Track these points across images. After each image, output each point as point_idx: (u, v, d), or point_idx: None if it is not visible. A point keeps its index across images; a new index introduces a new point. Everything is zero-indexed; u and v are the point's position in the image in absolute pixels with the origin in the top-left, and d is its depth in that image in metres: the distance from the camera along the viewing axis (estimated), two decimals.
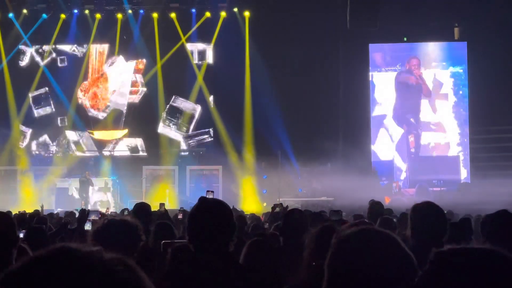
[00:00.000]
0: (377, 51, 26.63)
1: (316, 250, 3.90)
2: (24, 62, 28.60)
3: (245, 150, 26.36)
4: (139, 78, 28.52)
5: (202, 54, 28.34)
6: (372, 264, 1.93)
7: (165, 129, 28.22)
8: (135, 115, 28.10)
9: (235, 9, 27.66)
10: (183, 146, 28.13)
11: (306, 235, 4.15)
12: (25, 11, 27.95)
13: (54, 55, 28.53)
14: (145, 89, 28.43)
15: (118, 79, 28.58)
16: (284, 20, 25.53)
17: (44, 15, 27.98)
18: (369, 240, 2.01)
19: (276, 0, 25.55)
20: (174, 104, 28.25)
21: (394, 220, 8.01)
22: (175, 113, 28.22)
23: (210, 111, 27.87)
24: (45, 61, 28.44)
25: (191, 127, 28.18)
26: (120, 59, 28.62)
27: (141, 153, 27.99)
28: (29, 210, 17.11)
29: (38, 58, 28.54)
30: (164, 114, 28.14)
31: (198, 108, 28.13)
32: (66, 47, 28.57)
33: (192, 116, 28.19)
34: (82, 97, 28.46)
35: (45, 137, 28.23)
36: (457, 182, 24.68)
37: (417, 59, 26.31)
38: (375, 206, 8.80)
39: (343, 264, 1.97)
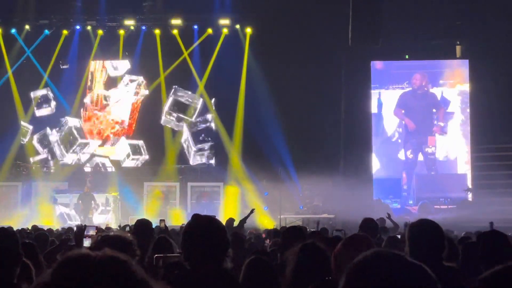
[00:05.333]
0: (383, 69, 26.61)
1: (298, 268, 3.90)
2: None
3: (246, 166, 26.27)
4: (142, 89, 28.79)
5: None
6: None
7: (168, 121, 28.41)
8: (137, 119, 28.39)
9: (237, 26, 27.74)
10: (186, 135, 28.16)
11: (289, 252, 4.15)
12: (27, 27, 28.05)
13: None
14: (146, 91, 28.72)
15: (120, 104, 28.82)
16: (285, 37, 25.57)
17: (46, 31, 28.09)
18: (387, 265, 1.81)
19: (278, 17, 25.58)
20: (176, 97, 28.42)
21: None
22: (176, 106, 28.39)
23: (212, 126, 28.04)
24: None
25: (194, 116, 28.32)
26: (120, 84, 28.87)
27: (143, 155, 28.18)
28: (29, 225, 17.04)
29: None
30: (165, 107, 28.29)
31: (200, 100, 28.32)
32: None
33: (194, 108, 28.37)
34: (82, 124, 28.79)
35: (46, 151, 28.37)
36: (465, 200, 24.66)
37: (420, 74, 26.27)
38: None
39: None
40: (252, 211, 17.14)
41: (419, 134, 25.97)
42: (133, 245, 4.01)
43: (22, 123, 28.57)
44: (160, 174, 27.40)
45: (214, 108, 28.15)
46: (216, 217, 4.12)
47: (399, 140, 26.20)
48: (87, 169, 27.96)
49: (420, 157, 25.94)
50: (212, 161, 27.99)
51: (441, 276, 4.59)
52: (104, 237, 4.03)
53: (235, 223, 16.13)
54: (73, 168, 27.91)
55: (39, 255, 6.87)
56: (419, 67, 26.50)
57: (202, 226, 3.66)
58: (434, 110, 26.07)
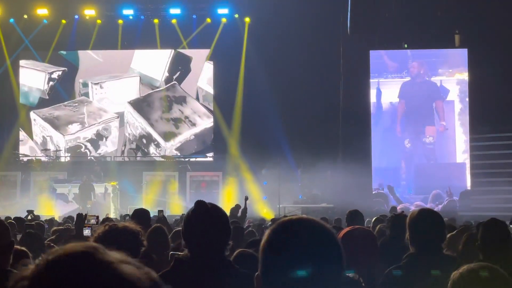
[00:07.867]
0: (382, 58, 26.55)
1: None
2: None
3: (245, 156, 26.25)
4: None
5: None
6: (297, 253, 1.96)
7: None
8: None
9: (236, 15, 27.70)
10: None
11: None
12: (25, 16, 27.98)
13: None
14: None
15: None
16: (284, 26, 25.52)
17: (45, 21, 28.01)
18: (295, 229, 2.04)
19: (277, 6, 25.54)
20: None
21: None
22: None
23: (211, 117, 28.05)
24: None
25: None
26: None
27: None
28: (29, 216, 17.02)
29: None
30: None
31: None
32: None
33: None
34: None
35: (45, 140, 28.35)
36: (463, 189, 24.72)
37: (417, 63, 26.24)
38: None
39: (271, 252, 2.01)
40: (246, 198, 17.16)
41: (417, 124, 25.95)
42: (141, 236, 4.01)
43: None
44: (159, 164, 27.42)
45: (213, 98, 28.14)
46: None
47: (398, 129, 26.19)
48: (88, 158, 27.91)
49: (419, 147, 25.94)
50: (211, 151, 27.97)
51: (441, 265, 4.62)
52: (112, 227, 4.01)
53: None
54: (72, 158, 27.89)
55: (44, 244, 6.91)
56: (417, 56, 26.48)
57: (206, 213, 3.59)
58: (434, 104, 26.06)
